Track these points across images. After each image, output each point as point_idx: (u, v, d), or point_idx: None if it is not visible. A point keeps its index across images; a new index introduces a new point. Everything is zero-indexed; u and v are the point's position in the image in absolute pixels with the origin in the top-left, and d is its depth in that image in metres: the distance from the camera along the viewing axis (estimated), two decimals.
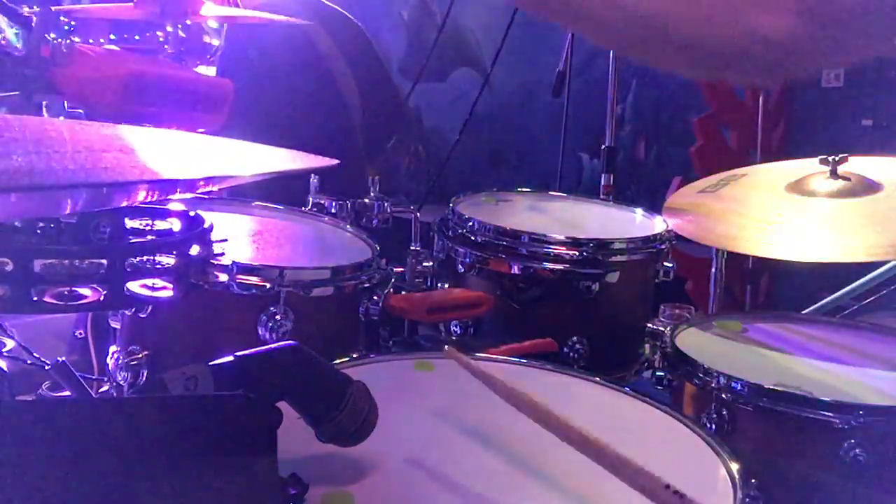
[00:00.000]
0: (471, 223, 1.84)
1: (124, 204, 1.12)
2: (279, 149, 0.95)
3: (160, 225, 1.20)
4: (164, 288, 1.10)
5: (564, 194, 2.24)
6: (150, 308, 1.36)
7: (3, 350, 1.44)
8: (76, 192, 0.70)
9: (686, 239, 1.81)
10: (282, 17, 2.66)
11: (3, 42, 1.67)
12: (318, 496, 0.92)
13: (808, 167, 1.74)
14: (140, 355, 1.48)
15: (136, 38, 2.79)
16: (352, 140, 3.00)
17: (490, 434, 1.13)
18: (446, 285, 1.84)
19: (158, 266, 1.09)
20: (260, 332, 1.45)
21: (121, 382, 1.50)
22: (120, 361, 1.50)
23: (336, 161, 0.97)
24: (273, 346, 0.98)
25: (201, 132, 1.93)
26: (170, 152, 0.89)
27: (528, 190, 2.25)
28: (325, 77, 2.94)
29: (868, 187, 1.66)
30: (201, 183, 0.85)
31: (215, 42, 2.91)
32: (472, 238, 1.82)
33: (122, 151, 0.79)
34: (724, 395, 1.37)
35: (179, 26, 2.53)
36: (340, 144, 2.92)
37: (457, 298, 1.71)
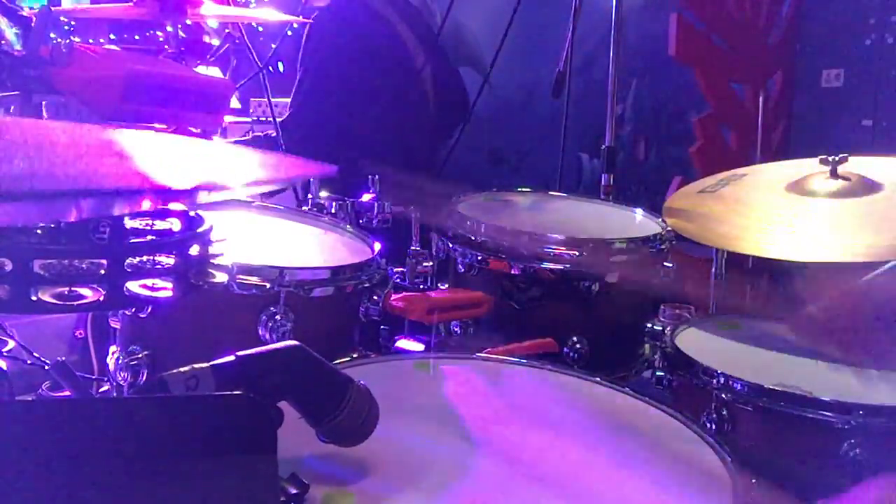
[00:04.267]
0: (471, 223, 1.84)
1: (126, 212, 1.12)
2: (277, 155, 0.96)
3: (160, 225, 1.20)
4: (163, 288, 1.10)
5: (564, 194, 2.24)
6: (149, 308, 1.35)
7: (3, 350, 1.45)
8: (78, 200, 0.70)
9: (686, 239, 1.80)
10: (284, 16, 2.66)
11: (3, 42, 1.67)
12: (319, 496, 0.93)
13: (808, 167, 1.74)
14: (140, 355, 1.48)
15: (136, 38, 2.80)
16: (427, 132, 3.04)
17: (489, 434, 1.13)
18: (446, 285, 1.84)
19: (158, 266, 1.09)
20: (260, 332, 1.45)
21: (121, 382, 1.50)
22: (120, 361, 1.50)
23: (335, 169, 0.97)
24: (274, 345, 0.98)
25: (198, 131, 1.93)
26: (170, 158, 0.89)
27: (528, 190, 2.25)
28: (410, 72, 2.98)
29: (868, 187, 1.66)
30: (202, 192, 0.85)
31: (215, 42, 2.92)
32: (472, 238, 1.82)
33: (121, 157, 0.79)
34: (724, 395, 1.37)
35: (179, 26, 2.53)
36: (418, 134, 2.95)
37: (457, 298, 1.71)
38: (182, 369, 0.89)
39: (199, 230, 1.18)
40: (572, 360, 1.74)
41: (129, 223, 1.17)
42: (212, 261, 1.18)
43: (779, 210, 1.66)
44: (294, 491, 0.90)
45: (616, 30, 2.67)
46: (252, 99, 3.49)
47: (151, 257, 1.09)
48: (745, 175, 1.87)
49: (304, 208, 1.90)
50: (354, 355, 1.34)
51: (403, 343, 1.58)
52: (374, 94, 2.88)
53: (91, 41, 2.66)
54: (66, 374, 1.30)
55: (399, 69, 2.98)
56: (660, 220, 1.94)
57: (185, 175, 0.84)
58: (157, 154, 0.91)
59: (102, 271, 1.04)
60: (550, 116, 3.30)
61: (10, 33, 1.75)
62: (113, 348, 1.58)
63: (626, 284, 1.79)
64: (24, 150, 0.75)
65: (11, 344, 1.47)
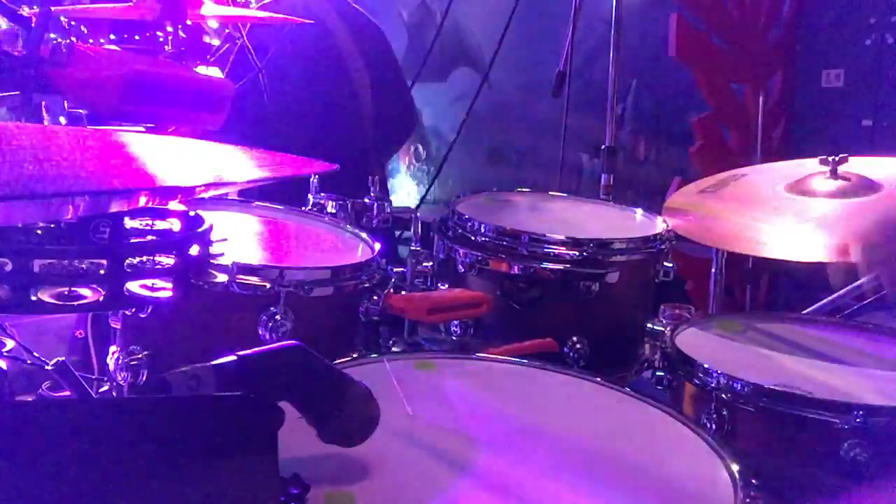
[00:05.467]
0: (471, 223, 1.84)
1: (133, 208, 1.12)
2: (280, 154, 0.96)
3: (160, 225, 1.20)
4: (163, 288, 1.10)
5: (564, 194, 2.24)
6: (149, 308, 1.35)
7: (3, 350, 1.44)
8: (84, 198, 0.70)
9: (686, 239, 1.80)
10: (282, 16, 2.66)
11: (2, 42, 1.66)
12: (320, 496, 0.92)
13: (808, 167, 1.74)
14: (140, 355, 1.48)
15: (136, 38, 2.79)
16: (360, 141, 3.00)
17: (490, 434, 1.13)
18: (446, 285, 1.84)
19: (158, 266, 1.09)
20: (260, 332, 1.45)
21: (121, 382, 1.49)
22: (120, 361, 1.50)
23: (336, 166, 0.97)
24: (275, 345, 0.98)
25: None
26: (172, 158, 0.90)
27: (528, 190, 2.25)
28: (343, 81, 2.95)
29: (868, 187, 1.66)
30: (201, 188, 0.85)
31: (215, 42, 2.91)
32: (472, 238, 1.82)
33: (126, 158, 0.79)
34: (724, 395, 1.37)
35: (179, 26, 2.53)
36: (349, 145, 2.93)
37: (457, 298, 1.71)
38: (183, 369, 0.89)
39: (199, 230, 1.18)
40: (572, 360, 1.74)
41: (130, 223, 1.17)
42: (212, 261, 1.18)
43: (779, 210, 1.66)
44: (295, 491, 0.90)
45: (616, 30, 2.67)
46: None
47: (151, 257, 1.09)
48: (745, 175, 1.88)
49: (304, 208, 1.90)
50: (354, 355, 1.34)
51: None
52: (305, 104, 2.84)
53: (91, 41, 2.66)
54: (66, 374, 1.30)
55: (336, 83, 2.94)
56: (660, 220, 1.94)
57: (188, 174, 0.84)
58: (161, 154, 0.91)
59: (102, 271, 1.04)
60: (550, 116, 3.30)
61: (10, 33, 1.74)
62: (113, 348, 1.58)
63: (626, 284, 1.79)
64: (32, 154, 0.75)
65: (11, 344, 1.47)
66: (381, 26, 3.56)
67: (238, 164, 0.96)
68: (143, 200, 0.83)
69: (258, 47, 2.84)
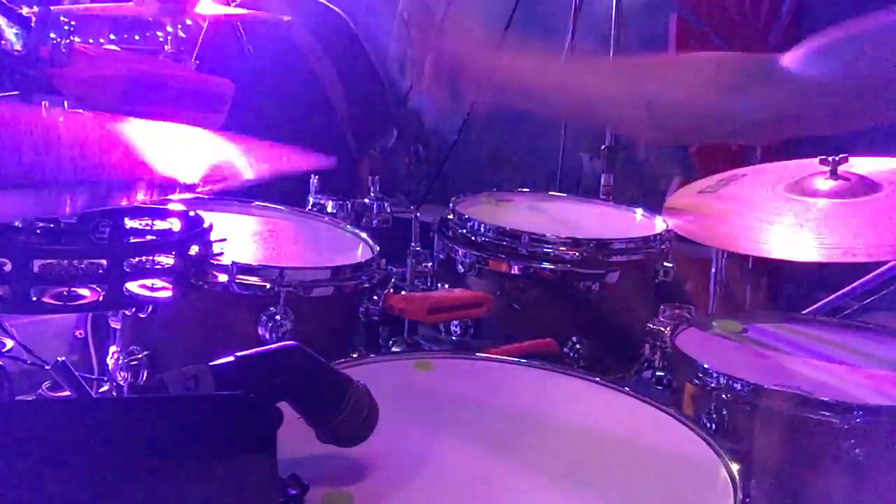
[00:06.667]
0: (471, 223, 1.84)
1: (124, 203, 1.12)
2: (279, 147, 0.96)
3: (160, 225, 1.20)
4: (163, 288, 1.10)
5: (564, 194, 2.24)
6: (149, 308, 1.35)
7: (3, 350, 1.44)
8: (82, 191, 0.70)
9: (686, 239, 1.80)
10: (266, 14, 2.64)
11: (2, 42, 1.66)
12: (319, 496, 0.93)
13: (808, 167, 1.73)
14: (140, 355, 1.48)
15: (136, 38, 2.79)
16: (339, 136, 2.97)
17: (490, 434, 1.13)
18: (446, 285, 1.84)
19: (158, 266, 1.09)
20: (260, 332, 1.45)
21: (121, 382, 1.50)
22: (120, 361, 1.50)
23: (333, 160, 0.97)
24: (274, 346, 0.98)
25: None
26: (174, 151, 0.89)
27: (528, 190, 2.25)
28: (306, 74, 2.92)
29: (868, 187, 1.66)
30: (200, 185, 0.85)
31: None
32: (472, 238, 1.82)
33: (127, 149, 0.79)
34: (724, 395, 1.37)
35: (179, 26, 2.53)
36: (326, 141, 2.90)
37: (457, 298, 1.71)
38: (182, 369, 0.89)
39: (199, 230, 1.18)
40: (572, 360, 1.74)
41: (129, 223, 1.17)
42: (212, 261, 1.18)
43: (778, 210, 1.66)
44: (294, 491, 0.90)
45: (616, 30, 2.67)
46: None
47: (151, 257, 1.09)
48: (745, 175, 1.87)
49: (304, 208, 1.90)
50: (354, 355, 1.34)
51: None
52: (269, 95, 2.81)
53: (91, 41, 2.66)
54: (66, 374, 1.30)
55: (298, 82, 2.90)
56: (660, 220, 1.94)
57: (191, 167, 0.84)
58: (163, 145, 0.91)
59: (102, 271, 1.04)
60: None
61: (10, 33, 1.74)
62: (113, 348, 1.58)
63: (626, 284, 1.79)
64: (31, 142, 0.75)
65: (11, 344, 1.47)
66: (381, 26, 3.55)
67: (239, 157, 0.96)
68: (140, 196, 0.83)
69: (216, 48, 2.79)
